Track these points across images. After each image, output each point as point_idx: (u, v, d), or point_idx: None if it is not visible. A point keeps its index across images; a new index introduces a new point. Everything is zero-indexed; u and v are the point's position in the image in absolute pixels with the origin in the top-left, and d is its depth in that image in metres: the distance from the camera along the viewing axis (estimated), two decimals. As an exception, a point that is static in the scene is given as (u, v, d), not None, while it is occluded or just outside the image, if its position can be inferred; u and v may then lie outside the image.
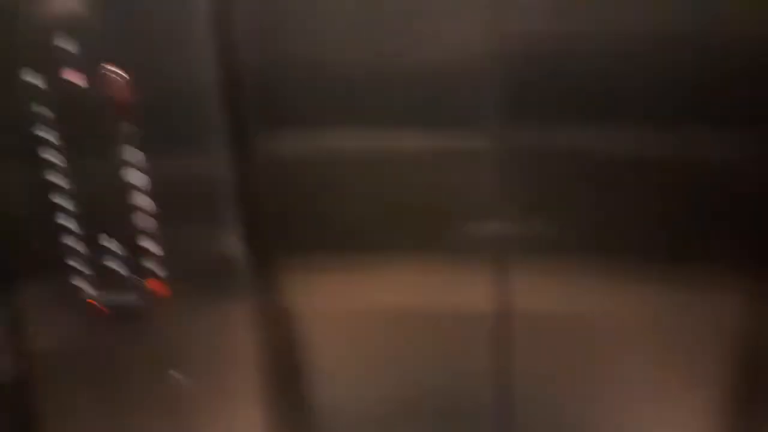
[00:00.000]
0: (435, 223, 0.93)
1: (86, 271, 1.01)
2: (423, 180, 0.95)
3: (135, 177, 0.95)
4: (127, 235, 0.98)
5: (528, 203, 0.89)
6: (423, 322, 0.99)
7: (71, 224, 1.00)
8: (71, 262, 1.01)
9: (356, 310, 1.02)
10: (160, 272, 0.99)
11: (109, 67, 0.90)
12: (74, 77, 0.91)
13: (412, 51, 0.88)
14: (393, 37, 0.89)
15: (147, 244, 0.98)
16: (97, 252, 1.00)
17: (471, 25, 0.86)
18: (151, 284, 0.99)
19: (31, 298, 1.06)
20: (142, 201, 0.96)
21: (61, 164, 0.97)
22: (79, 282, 1.02)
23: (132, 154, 0.93)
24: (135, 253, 0.99)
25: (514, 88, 0.87)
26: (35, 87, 0.93)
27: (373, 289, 1.01)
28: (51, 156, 0.96)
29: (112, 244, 0.99)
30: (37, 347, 1.08)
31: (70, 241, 1.01)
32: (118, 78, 0.90)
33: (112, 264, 1.00)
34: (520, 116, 0.87)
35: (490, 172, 0.89)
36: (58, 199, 0.98)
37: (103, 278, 1.01)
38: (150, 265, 0.99)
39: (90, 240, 1.00)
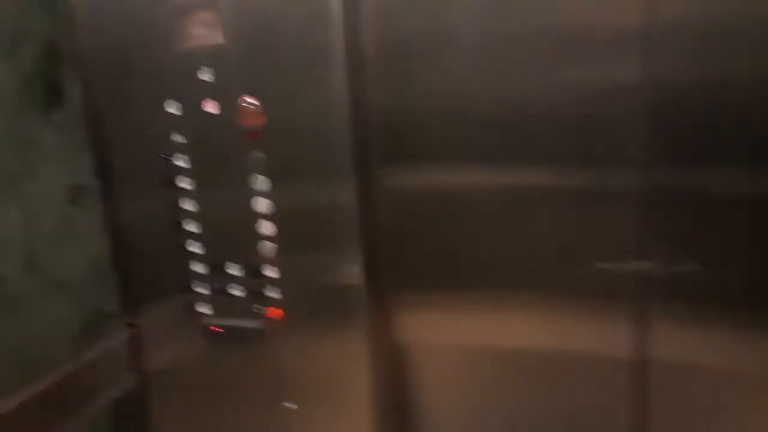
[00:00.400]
0: (567, 263, 0.89)
1: (208, 295, 1.04)
2: (555, 218, 0.91)
3: (262, 205, 0.97)
4: (251, 262, 1.00)
5: (670, 246, 0.83)
6: (547, 365, 0.94)
7: (198, 249, 1.03)
8: (196, 287, 1.04)
9: (473, 348, 0.99)
10: (280, 299, 1.00)
11: (245, 98, 0.93)
12: (212, 107, 0.95)
13: (553, 90, 0.86)
14: (531, 76, 0.88)
15: (269, 271, 0.99)
16: (221, 278, 1.02)
17: (618, 69, 0.83)
18: (270, 311, 1.00)
19: (155, 319, 1.09)
20: (267, 229, 0.97)
21: (194, 191, 1.00)
22: (201, 306, 1.05)
23: (260, 182, 0.96)
24: (257, 280, 1.00)
25: (659, 130, 0.83)
26: (176, 117, 0.97)
27: (492, 327, 0.97)
28: (185, 183, 1.00)
29: (236, 270, 1.01)
30: (157, 366, 1.11)
31: (196, 266, 1.04)
32: (252, 108, 0.93)
33: (235, 290, 1.02)
34: (666, 158, 0.83)
35: (631, 212, 0.85)
36: (188, 226, 1.02)
37: (225, 303, 1.03)
38: (271, 292, 1.00)
39: (215, 266, 1.02)
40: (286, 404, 1.03)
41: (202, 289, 1.04)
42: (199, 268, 1.04)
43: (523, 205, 0.91)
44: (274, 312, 1.00)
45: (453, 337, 0.99)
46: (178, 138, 0.99)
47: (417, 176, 0.96)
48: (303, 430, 1.04)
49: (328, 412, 1.03)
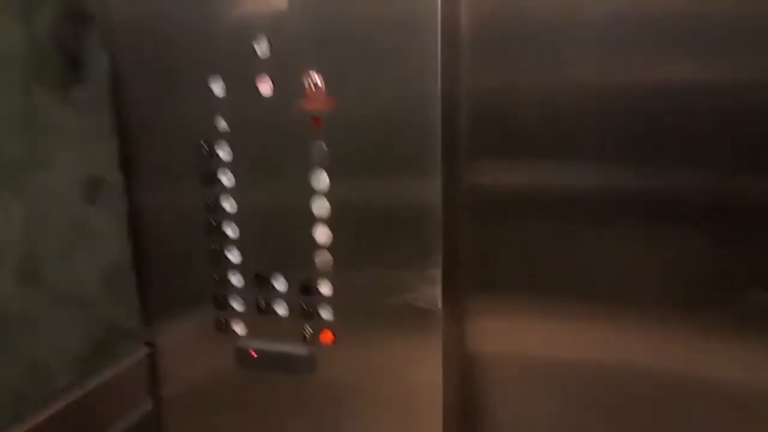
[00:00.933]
0: (669, 282, 0.76)
1: (245, 312, 0.88)
2: (660, 231, 0.77)
3: (320, 207, 0.81)
4: (301, 276, 0.84)
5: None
6: (636, 384, 0.80)
7: (236, 258, 0.87)
8: (231, 302, 0.88)
9: (552, 362, 0.84)
10: (333, 321, 0.84)
11: (309, 77, 0.77)
12: (266, 87, 0.79)
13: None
14: (631, 71, 0.74)
15: (324, 287, 0.83)
16: (262, 292, 0.86)
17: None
18: (323, 336, 0.84)
19: (180, 337, 0.93)
20: (325, 236, 0.82)
21: (236, 188, 0.84)
22: (235, 325, 0.88)
23: (321, 179, 0.80)
24: (308, 297, 0.84)
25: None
26: (220, 98, 0.82)
27: (573, 340, 0.82)
28: (226, 179, 0.84)
29: (281, 284, 0.85)
30: (178, 392, 0.94)
31: (232, 277, 0.87)
32: (316, 90, 0.77)
33: (279, 307, 0.86)
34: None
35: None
36: (227, 229, 0.86)
37: (265, 323, 0.87)
38: (324, 312, 0.84)
39: (256, 278, 0.86)
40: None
41: (237, 305, 0.88)
42: (235, 279, 0.87)
43: (627, 213, 0.77)
44: (327, 336, 0.84)
45: (529, 348, 0.84)
46: (221, 124, 0.83)
47: (507, 174, 0.81)
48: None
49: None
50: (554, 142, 0.78)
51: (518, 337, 0.85)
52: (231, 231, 0.86)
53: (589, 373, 0.83)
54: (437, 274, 0.78)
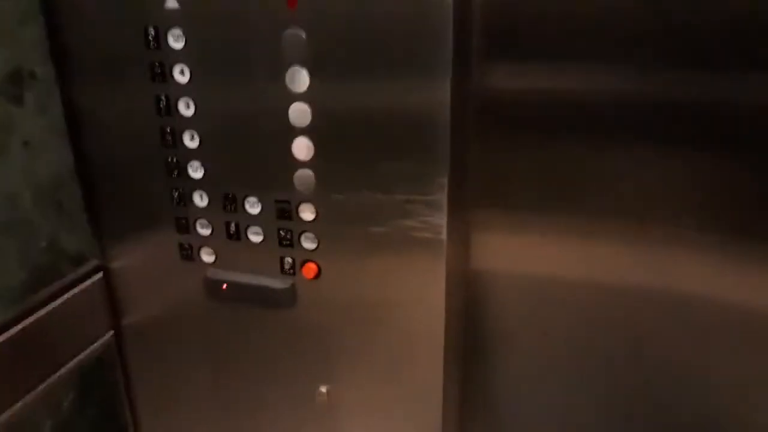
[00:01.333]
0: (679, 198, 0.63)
1: (211, 237, 0.74)
2: (681, 146, 0.62)
3: (299, 113, 0.65)
4: (278, 195, 0.69)
5: None
6: (645, 306, 0.69)
7: (198, 173, 0.71)
8: (195, 226, 0.74)
9: (558, 279, 0.72)
10: (318, 249, 0.70)
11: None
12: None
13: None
14: None
15: (305, 211, 0.69)
16: (231, 215, 0.72)
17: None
18: (306, 269, 0.71)
19: (136, 263, 0.79)
20: (305, 149, 0.66)
21: (193, 88, 0.67)
22: (203, 252, 0.75)
23: (298, 77, 0.63)
24: (287, 222, 0.70)
25: None
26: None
27: (580, 259, 0.70)
28: (180, 74, 0.67)
29: (254, 206, 0.71)
30: (138, 323, 0.82)
31: (196, 196, 0.73)
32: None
33: (253, 234, 0.72)
34: None
35: None
36: (183, 136, 0.70)
37: (236, 250, 0.73)
38: (306, 242, 0.70)
39: (224, 199, 0.71)
40: (322, 389, 0.76)
41: (202, 229, 0.74)
42: (199, 198, 0.73)
43: (648, 130, 0.62)
44: (310, 269, 0.71)
45: (536, 266, 0.71)
46: (170, 2, 0.65)
47: (521, 78, 0.64)
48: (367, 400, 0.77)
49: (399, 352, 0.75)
50: (578, 43, 0.61)
51: (526, 256, 0.72)
52: (189, 139, 0.70)
53: (598, 295, 0.71)
54: (442, 198, 0.63)
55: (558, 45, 0.63)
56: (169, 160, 0.71)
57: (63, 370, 0.79)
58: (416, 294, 0.69)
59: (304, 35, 0.61)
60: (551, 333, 0.75)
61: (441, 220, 0.64)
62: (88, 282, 0.80)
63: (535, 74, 0.64)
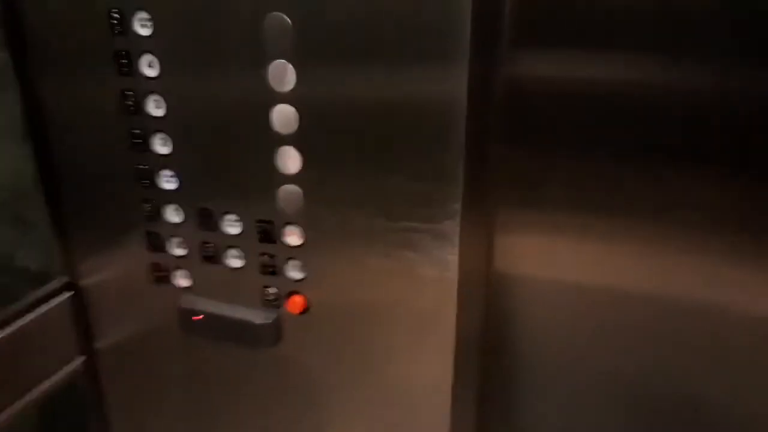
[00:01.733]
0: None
1: (186, 258, 0.63)
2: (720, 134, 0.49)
3: (282, 116, 0.53)
4: (261, 217, 0.58)
5: None
6: (681, 317, 0.57)
7: (172, 183, 0.61)
8: (169, 244, 0.63)
9: (586, 285, 0.59)
10: (307, 281, 0.58)
11: None
12: None
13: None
14: None
15: (291, 235, 0.57)
16: (210, 234, 0.61)
17: None
18: (291, 302, 0.59)
19: (107, 280, 0.69)
20: (290, 159, 0.55)
21: (163, 80, 0.57)
22: (178, 275, 0.64)
23: (281, 73, 0.52)
24: (271, 245, 0.58)
25: None
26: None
27: (606, 264, 0.58)
28: (148, 66, 0.57)
29: (234, 226, 0.60)
30: (112, 347, 0.73)
31: (169, 210, 0.62)
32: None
33: (232, 258, 0.61)
34: None
35: None
36: (153, 140, 0.59)
37: (216, 276, 0.62)
38: (292, 270, 0.58)
39: (201, 213, 0.60)
40: None
41: (177, 248, 0.63)
42: (172, 213, 0.62)
43: (696, 130, 0.50)
44: (296, 302, 0.59)
45: (567, 272, 0.59)
46: (135, -19, 0.54)
47: (559, 67, 0.51)
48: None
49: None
50: (621, 28, 0.48)
51: (554, 259, 0.60)
52: (161, 145, 0.59)
53: (630, 304, 0.60)
54: (454, 228, 0.51)
55: (604, 29, 0.50)
56: (139, 166, 0.61)
57: (27, 398, 0.71)
58: (421, 339, 0.56)
59: (289, 21, 0.50)
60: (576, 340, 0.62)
61: (451, 254, 0.51)
62: (56, 301, 0.71)
63: (575, 62, 0.52)
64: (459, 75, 0.46)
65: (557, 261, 0.60)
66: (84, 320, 0.73)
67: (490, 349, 0.63)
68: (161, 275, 0.65)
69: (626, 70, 0.52)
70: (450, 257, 0.51)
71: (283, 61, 0.51)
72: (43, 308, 0.70)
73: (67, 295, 0.71)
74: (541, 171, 0.56)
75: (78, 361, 0.75)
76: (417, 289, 0.54)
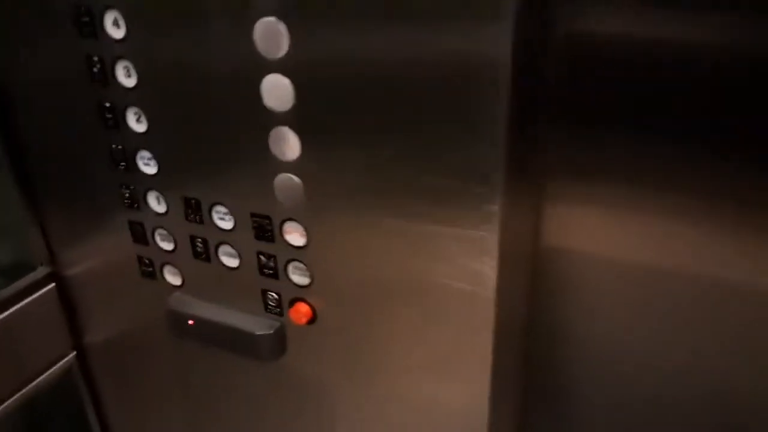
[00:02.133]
0: None
1: (173, 252, 0.54)
2: None
3: (275, 91, 0.42)
4: (255, 210, 0.47)
5: None
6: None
7: (150, 166, 0.51)
8: (153, 235, 0.54)
9: (647, 266, 0.48)
10: (314, 287, 0.48)
11: None
12: None
13: None
14: None
15: (294, 233, 0.47)
16: (198, 227, 0.51)
17: None
18: (294, 311, 0.50)
19: (92, 271, 0.61)
20: (287, 143, 0.44)
21: (127, 41, 0.46)
22: (168, 271, 0.55)
23: (271, 35, 0.40)
24: (268, 245, 0.48)
25: None
26: None
27: (661, 243, 0.46)
28: (115, 28, 0.46)
29: (226, 220, 0.50)
30: (101, 343, 0.65)
31: (152, 200, 0.52)
32: None
33: (226, 256, 0.51)
34: None
35: None
36: (128, 116, 0.49)
37: (209, 274, 0.53)
38: (295, 274, 0.49)
39: (187, 206, 0.51)
40: None
41: (163, 242, 0.54)
42: (154, 200, 0.52)
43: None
44: (300, 311, 0.49)
45: (621, 249, 0.48)
46: None
47: (613, 23, 0.39)
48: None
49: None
50: None
51: (607, 235, 0.49)
52: (135, 121, 0.49)
53: (695, 287, 0.48)
54: (492, 237, 0.39)
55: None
56: (114, 146, 0.51)
57: (16, 394, 0.64)
58: (448, 361, 0.46)
59: (276, -34, 0.38)
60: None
61: (489, 268, 0.41)
62: (38, 293, 0.63)
63: (640, 21, 0.39)
64: (503, 32, 0.34)
65: (615, 239, 0.49)
66: (71, 314, 0.65)
67: (534, 369, 0.53)
68: (147, 270, 0.56)
69: (701, 32, 0.39)
70: (486, 269, 0.41)
71: (273, 18, 0.40)
72: (24, 300, 0.62)
73: (49, 286, 0.64)
74: (601, 159, 0.44)
75: (68, 357, 0.68)
76: (446, 304, 0.44)
